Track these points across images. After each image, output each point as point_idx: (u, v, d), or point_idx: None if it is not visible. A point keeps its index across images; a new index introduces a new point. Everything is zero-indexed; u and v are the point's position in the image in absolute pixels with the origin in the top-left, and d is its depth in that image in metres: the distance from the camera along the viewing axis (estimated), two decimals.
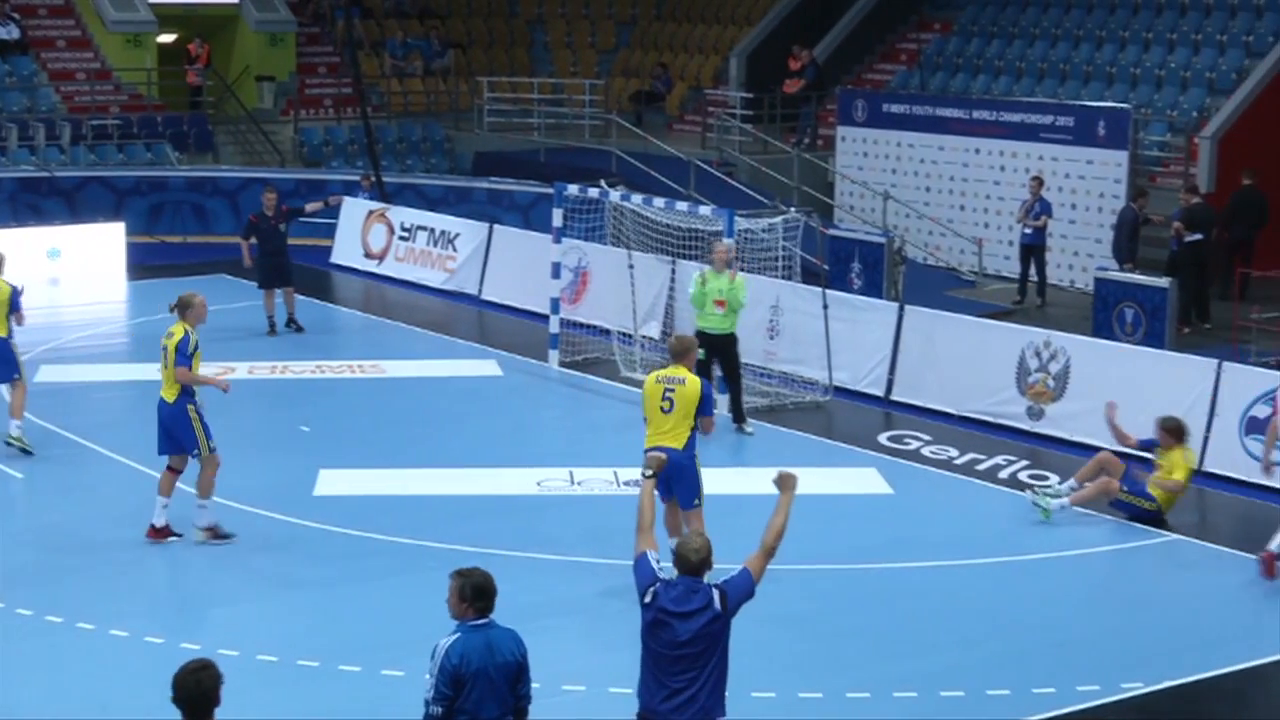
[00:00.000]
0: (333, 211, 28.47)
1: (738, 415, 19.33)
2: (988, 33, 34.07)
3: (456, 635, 8.74)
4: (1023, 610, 14.23)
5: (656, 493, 10.77)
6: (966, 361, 20.27)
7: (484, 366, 22.58)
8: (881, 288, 24.74)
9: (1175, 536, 16.07)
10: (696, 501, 13.80)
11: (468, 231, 27.82)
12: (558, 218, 22.36)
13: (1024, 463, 18.34)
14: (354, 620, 13.55)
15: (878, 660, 13.00)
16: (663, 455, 10.01)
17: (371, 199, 30.04)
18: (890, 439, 19.34)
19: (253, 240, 23.89)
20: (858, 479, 17.78)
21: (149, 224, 31.98)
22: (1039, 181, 26.33)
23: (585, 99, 37.07)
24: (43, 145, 33.16)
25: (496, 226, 27.79)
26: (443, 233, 28.24)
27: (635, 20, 43.05)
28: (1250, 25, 30.29)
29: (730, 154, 32.59)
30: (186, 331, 15.06)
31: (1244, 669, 12.93)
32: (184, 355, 14.94)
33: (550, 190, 23.71)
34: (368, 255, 29.30)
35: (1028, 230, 25.97)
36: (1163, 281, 22.62)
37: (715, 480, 17.03)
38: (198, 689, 7.71)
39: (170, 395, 15.07)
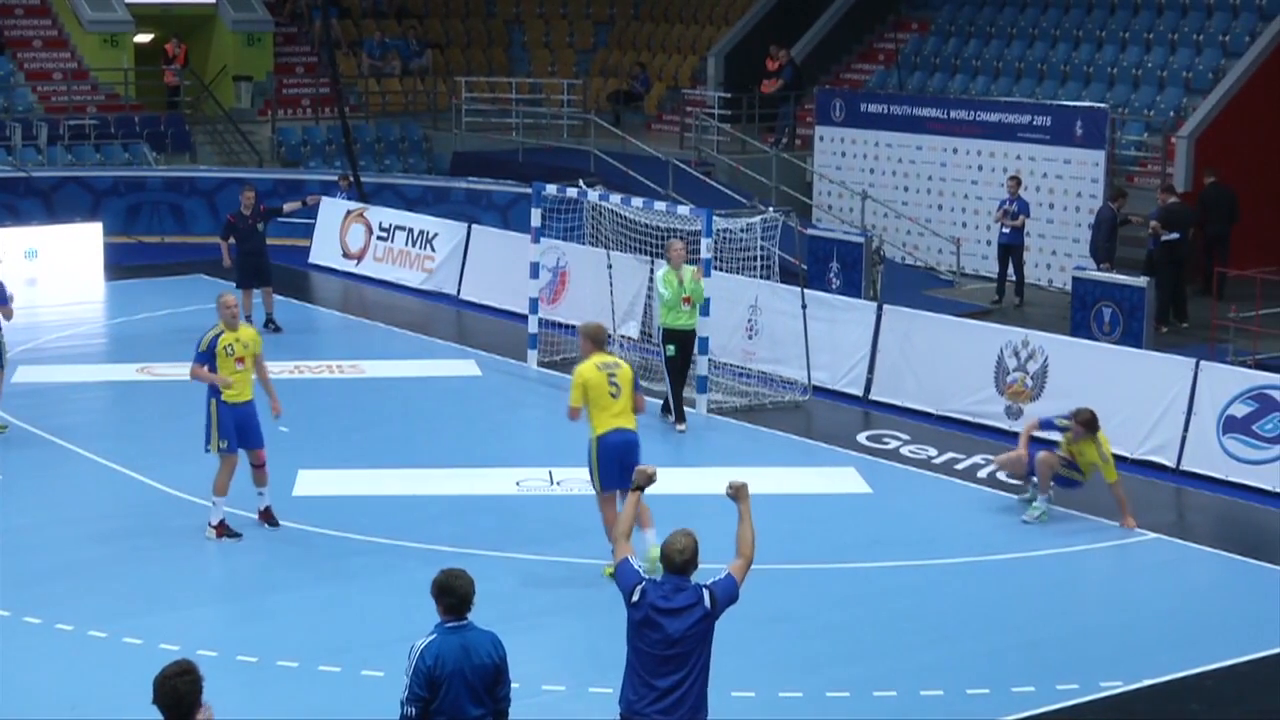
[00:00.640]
0: (311, 211, 28.42)
1: (680, 415, 19.60)
2: (965, 32, 34.11)
3: (433, 637, 8.73)
4: (1002, 609, 14.25)
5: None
6: (945, 361, 20.30)
7: (463, 366, 22.57)
8: (860, 287, 24.76)
9: (1153, 535, 16.11)
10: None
11: (446, 231, 27.80)
12: (536, 218, 22.35)
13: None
14: (333, 621, 13.53)
15: (857, 659, 13.01)
16: (650, 469, 9.98)
17: (350, 199, 29.99)
18: (869, 438, 19.36)
19: (231, 240, 23.87)
20: (837, 478, 17.78)
21: (126, 224, 31.91)
22: (1016, 181, 26.37)
23: (563, 99, 37.07)
24: (19, 145, 33.10)
25: (475, 226, 27.78)
26: (421, 233, 28.21)
27: (613, 20, 43.05)
28: (1227, 25, 30.37)
29: (708, 154, 32.61)
30: (211, 331, 15.51)
31: (1222, 667, 12.95)
32: (196, 352, 15.41)
33: (528, 190, 23.70)
34: (346, 255, 29.26)
35: (1006, 230, 26.02)
36: (1140, 281, 22.68)
37: (696, 482, 17.08)
38: (174, 694, 7.70)
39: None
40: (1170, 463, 18.13)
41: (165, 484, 16.79)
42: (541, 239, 22.69)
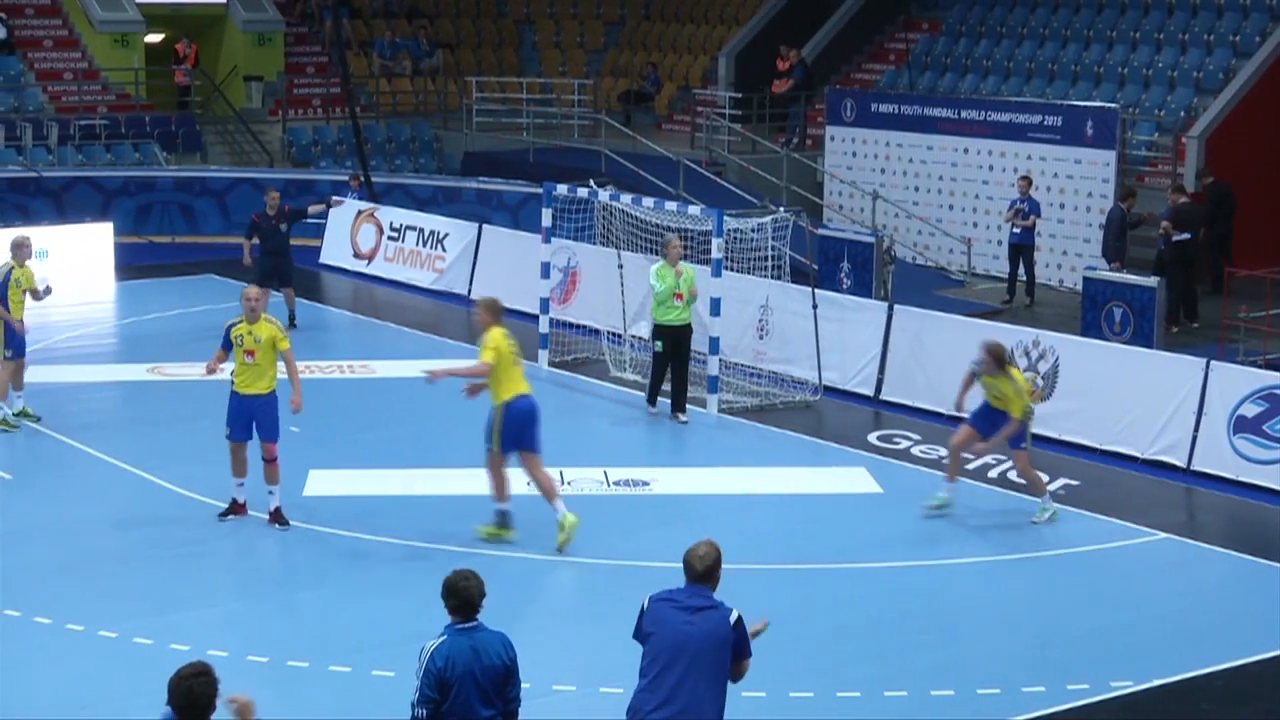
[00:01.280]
0: (328, 213, 28.49)
1: (679, 405, 19.79)
2: (976, 32, 34.09)
3: (443, 638, 8.73)
4: (1012, 609, 14.25)
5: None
6: (956, 361, 20.20)
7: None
8: (871, 287, 24.75)
9: (1163, 535, 16.10)
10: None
11: (457, 231, 27.81)
12: (547, 217, 22.36)
13: (1013, 462, 18.32)
14: (344, 621, 13.53)
15: (868, 659, 13.00)
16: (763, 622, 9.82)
17: (360, 199, 30.02)
18: (880, 438, 19.35)
19: (255, 240, 23.91)
20: (847, 478, 17.77)
21: (137, 224, 31.93)
22: (1027, 181, 26.35)
23: (574, 99, 37.08)
24: (30, 145, 33.13)
25: (486, 226, 27.78)
26: (432, 233, 28.22)
27: (624, 20, 43.05)
28: (1237, 25, 30.33)
29: (719, 154, 32.61)
30: (231, 320, 15.88)
31: (1233, 667, 12.95)
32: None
33: (539, 190, 23.70)
34: (357, 255, 29.28)
35: (1016, 230, 26.00)
36: (1151, 281, 22.66)
37: (707, 482, 17.09)
38: (189, 695, 7.70)
39: None
40: (1181, 463, 18.12)
41: (176, 484, 16.80)
42: (552, 239, 22.70)
